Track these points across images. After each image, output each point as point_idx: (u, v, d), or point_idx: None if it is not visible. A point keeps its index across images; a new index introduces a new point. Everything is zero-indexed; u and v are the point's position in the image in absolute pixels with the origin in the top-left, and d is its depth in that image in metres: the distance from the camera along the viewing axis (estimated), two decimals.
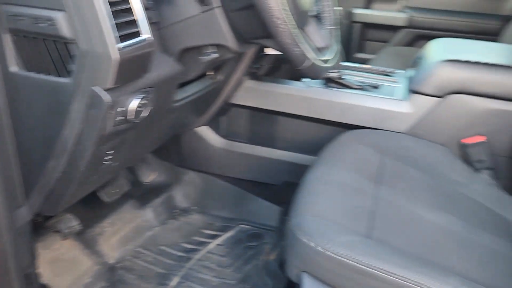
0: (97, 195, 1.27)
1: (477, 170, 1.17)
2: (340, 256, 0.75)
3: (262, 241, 1.33)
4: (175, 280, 1.19)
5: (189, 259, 1.26)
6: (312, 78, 1.22)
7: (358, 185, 0.98)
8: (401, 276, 0.72)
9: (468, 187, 1.09)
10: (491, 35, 2.06)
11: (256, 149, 1.41)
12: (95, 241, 1.25)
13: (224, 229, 1.38)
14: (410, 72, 1.37)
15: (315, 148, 1.20)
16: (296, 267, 0.82)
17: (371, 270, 0.73)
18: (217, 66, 1.17)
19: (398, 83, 1.37)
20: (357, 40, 2.44)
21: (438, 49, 1.32)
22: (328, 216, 0.85)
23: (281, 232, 1.24)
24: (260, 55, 1.35)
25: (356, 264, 0.73)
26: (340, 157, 1.08)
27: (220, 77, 1.21)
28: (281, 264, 1.22)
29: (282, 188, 1.41)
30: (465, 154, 1.18)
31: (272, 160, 1.40)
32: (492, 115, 1.15)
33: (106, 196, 1.29)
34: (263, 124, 1.40)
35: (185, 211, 1.46)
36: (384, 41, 2.39)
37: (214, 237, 1.35)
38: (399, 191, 1.00)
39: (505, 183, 1.18)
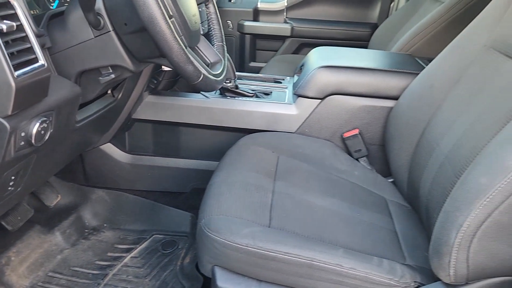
0: (0, 224, 1.23)
1: (356, 159, 1.37)
2: (244, 246, 0.85)
3: (176, 247, 1.39)
4: None
5: (105, 275, 1.28)
6: (208, 91, 1.32)
7: (258, 182, 1.10)
8: (296, 255, 0.84)
9: (351, 174, 1.27)
10: (363, 41, 2.36)
11: (162, 160, 1.47)
12: (2, 272, 1.21)
13: (138, 241, 1.42)
14: (296, 78, 1.54)
15: (218, 153, 1.30)
16: (208, 262, 0.91)
17: (272, 253, 0.84)
18: (116, 84, 1.22)
19: (287, 88, 1.53)
20: (249, 50, 2.61)
21: (316, 57, 1.50)
22: (232, 213, 0.95)
23: (193, 236, 1.32)
24: (158, 71, 1.42)
25: (258, 250, 0.85)
26: (240, 160, 1.19)
27: (120, 95, 1.25)
28: (196, 264, 1.30)
29: (191, 195, 1.49)
30: (346, 146, 1.37)
31: (179, 169, 1.47)
32: (364, 111, 1.36)
33: (9, 225, 1.26)
34: (166, 135, 1.47)
35: (96, 230, 1.46)
36: (274, 50, 2.59)
37: (128, 250, 1.38)
38: (294, 184, 1.14)
39: (379, 167, 1.39)
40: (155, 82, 1.46)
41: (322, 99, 1.37)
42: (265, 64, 2.36)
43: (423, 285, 0.89)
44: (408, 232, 1.09)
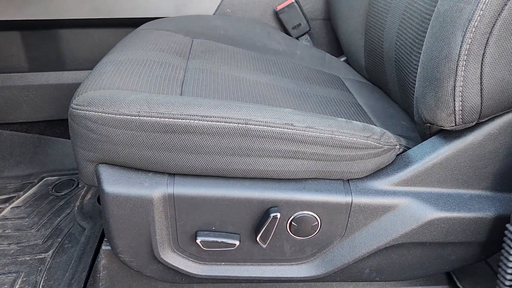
0: None
1: (296, 37, 1.06)
2: (135, 116, 0.52)
3: (75, 187, 1.03)
4: None
5: None
6: None
7: (164, 60, 0.76)
8: (220, 118, 0.52)
9: (291, 54, 0.97)
10: None
11: (40, 77, 1.08)
12: None
13: (22, 188, 1.04)
14: None
15: None
16: (88, 161, 0.57)
17: (180, 120, 0.52)
18: None
19: None
20: None
21: None
22: (118, 86, 0.61)
23: None
24: None
25: (159, 119, 0.52)
26: (139, 42, 0.84)
27: None
28: (98, 197, 0.96)
29: None
30: (281, 23, 1.05)
31: (64, 86, 1.08)
32: None
33: None
34: (39, 43, 1.07)
35: None
36: None
37: (7, 201, 1.00)
38: (217, 61, 0.81)
39: (326, 47, 1.10)
40: None
41: None
42: None
43: (409, 148, 0.61)
44: (374, 104, 0.82)
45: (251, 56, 0.89)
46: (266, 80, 0.78)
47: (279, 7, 1.03)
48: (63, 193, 1.01)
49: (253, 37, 0.98)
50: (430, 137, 0.60)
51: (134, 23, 1.04)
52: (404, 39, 0.72)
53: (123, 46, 0.80)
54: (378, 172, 0.59)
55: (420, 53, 0.65)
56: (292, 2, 1.02)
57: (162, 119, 0.52)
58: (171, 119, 0.52)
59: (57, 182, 1.06)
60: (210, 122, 0.52)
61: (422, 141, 0.62)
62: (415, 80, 0.66)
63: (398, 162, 0.60)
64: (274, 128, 0.53)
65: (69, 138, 1.10)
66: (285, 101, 0.70)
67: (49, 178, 1.07)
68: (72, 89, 1.08)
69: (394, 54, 0.76)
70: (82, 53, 1.09)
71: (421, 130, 0.61)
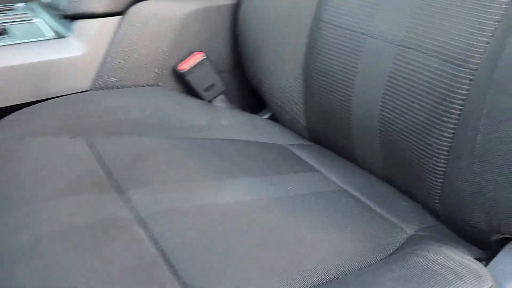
0: None
1: (209, 100, 0.84)
2: None
3: None
4: None
5: None
6: None
7: (88, 219, 0.46)
8: None
9: (218, 128, 0.75)
10: None
11: None
12: None
13: None
14: None
15: None
16: None
17: None
18: None
19: (35, 16, 0.81)
20: None
21: None
22: None
23: None
24: None
25: None
26: (16, 186, 0.50)
27: None
28: None
29: None
30: (189, 85, 0.81)
31: None
32: (197, 19, 0.80)
33: None
34: None
35: None
36: None
37: None
38: (160, 187, 0.55)
39: (234, 100, 0.91)
40: None
41: (122, 13, 0.74)
42: None
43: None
44: (357, 182, 0.68)
45: (186, 151, 0.65)
46: (239, 197, 0.56)
47: (182, 66, 0.79)
48: None
49: (164, 114, 0.73)
50: (497, 244, 0.50)
51: None
52: (402, 111, 0.58)
53: None
54: None
55: (447, 135, 0.51)
56: (203, 59, 0.78)
57: None
58: None
59: None
60: None
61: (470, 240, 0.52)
62: (436, 165, 0.55)
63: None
64: None
65: None
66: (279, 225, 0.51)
67: None
68: None
69: (379, 124, 0.63)
70: None
71: (479, 236, 0.51)
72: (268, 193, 0.58)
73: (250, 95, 0.90)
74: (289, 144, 0.77)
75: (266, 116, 0.88)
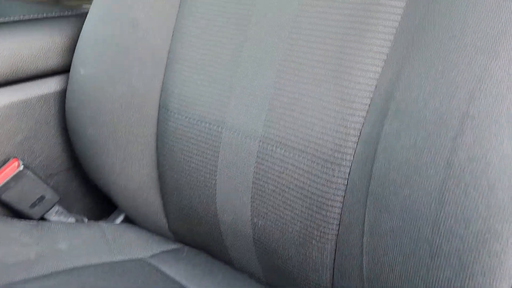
0: None
1: (41, 217, 0.66)
2: None
3: None
4: None
5: None
6: None
7: None
8: None
9: (42, 260, 0.58)
10: None
11: None
12: None
13: None
14: None
15: None
16: None
17: None
18: None
19: None
20: None
21: None
22: None
23: None
24: None
25: None
26: None
27: None
28: None
29: None
30: (8, 207, 0.62)
31: None
32: (10, 118, 0.63)
33: None
34: None
35: None
36: None
37: None
38: None
39: (80, 205, 0.74)
40: None
41: None
42: None
43: None
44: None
45: None
46: None
47: None
48: None
49: None
50: None
51: None
52: (276, 218, 0.49)
53: None
54: None
55: (330, 249, 0.43)
56: (20, 171, 0.60)
57: None
58: None
59: None
60: None
61: None
62: (320, 284, 0.47)
63: None
64: None
65: None
66: None
67: None
68: None
69: (253, 232, 0.54)
70: None
71: None
72: None
73: (96, 195, 0.74)
74: (151, 256, 0.63)
75: (120, 218, 0.73)
